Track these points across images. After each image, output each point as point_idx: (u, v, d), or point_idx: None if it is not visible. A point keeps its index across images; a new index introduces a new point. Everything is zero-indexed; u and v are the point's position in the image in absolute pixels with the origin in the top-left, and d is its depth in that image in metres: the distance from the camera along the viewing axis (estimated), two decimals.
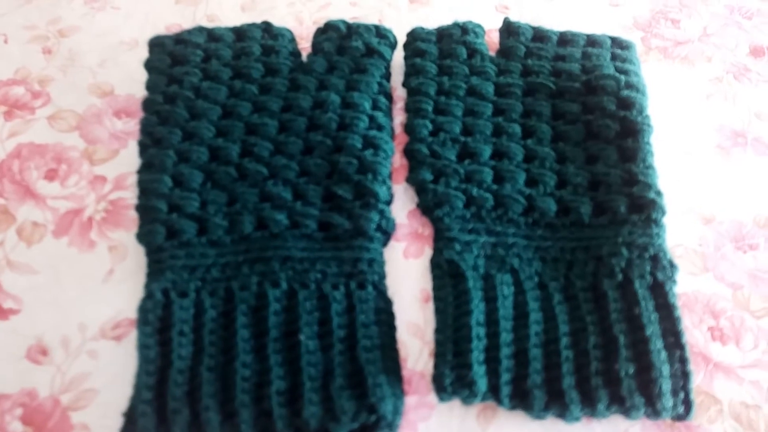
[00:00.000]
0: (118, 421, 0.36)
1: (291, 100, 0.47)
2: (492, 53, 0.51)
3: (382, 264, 0.42)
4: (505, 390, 0.36)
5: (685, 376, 0.37)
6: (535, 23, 0.53)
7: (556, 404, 0.36)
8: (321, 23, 0.52)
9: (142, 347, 0.37)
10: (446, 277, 0.40)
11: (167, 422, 0.35)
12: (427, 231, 0.44)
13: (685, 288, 0.42)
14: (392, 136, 0.47)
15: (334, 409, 0.35)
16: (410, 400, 0.38)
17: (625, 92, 0.47)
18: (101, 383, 0.38)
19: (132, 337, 0.39)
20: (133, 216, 0.43)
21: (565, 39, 0.52)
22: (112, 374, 0.38)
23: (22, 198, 0.45)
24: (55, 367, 0.38)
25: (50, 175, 0.46)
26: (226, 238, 0.41)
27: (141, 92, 0.48)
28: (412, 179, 0.45)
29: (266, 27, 0.52)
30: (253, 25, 0.52)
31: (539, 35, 0.52)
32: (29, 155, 0.47)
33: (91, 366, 0.38)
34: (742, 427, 0.37)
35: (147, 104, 0.47)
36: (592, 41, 0.52)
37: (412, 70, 0.50)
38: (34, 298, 0.41)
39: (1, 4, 0.56)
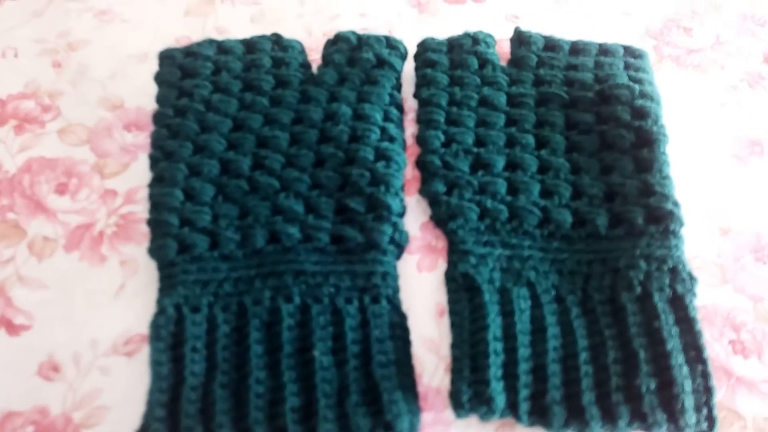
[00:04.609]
0: None
1: (302, 112, 0.47)
2: (503, 63, 0.51)
3: (395, 277, 0.41)
4: (524, 406, 0.36)
5: (708, 391, 0.36)
6: (546, 33, 0.53)
7: (576, 421, 0.35)
8: (330, 35, 0.52)
9: (155, 363, 0.37)
10: (461, 291, 0.40)
11: None
12: (441, 244, 0.44)
13: (704, 301, 0.41)
14: (404, 147, 0.47)
15: (350, 427, 0.35)
16: (426, 417, 0.37)
17: (640, 102, 0.46)
18: (113, 400, 0.37)
19: (144, 353, 0.38)
20: (144, 230, 0.43)
21: (577, 48, 0.52)
22: (124, 391, 0.37)
23: (32, 212, 0.44)
24: (66, 384, 0.38)
25: (61, 189, 0.46)
26: (238, 252, 0.41)
27: (151, 105, 0.48)
28: (425, 191, 0.44)
29: (276, 39, 0.52)
30: (263, 37, 0.52)
31: (551, 44, 0.52)
32: (40, 169, 0.46)
33: (102, 382, 0.38)
34: None
35: (157, 117, 0.47)
36: (604, 50, 0.52)
37: (423, 81, 0.49)
38: (45, 313, 0.40)
39: (10, 17, 0.56)
